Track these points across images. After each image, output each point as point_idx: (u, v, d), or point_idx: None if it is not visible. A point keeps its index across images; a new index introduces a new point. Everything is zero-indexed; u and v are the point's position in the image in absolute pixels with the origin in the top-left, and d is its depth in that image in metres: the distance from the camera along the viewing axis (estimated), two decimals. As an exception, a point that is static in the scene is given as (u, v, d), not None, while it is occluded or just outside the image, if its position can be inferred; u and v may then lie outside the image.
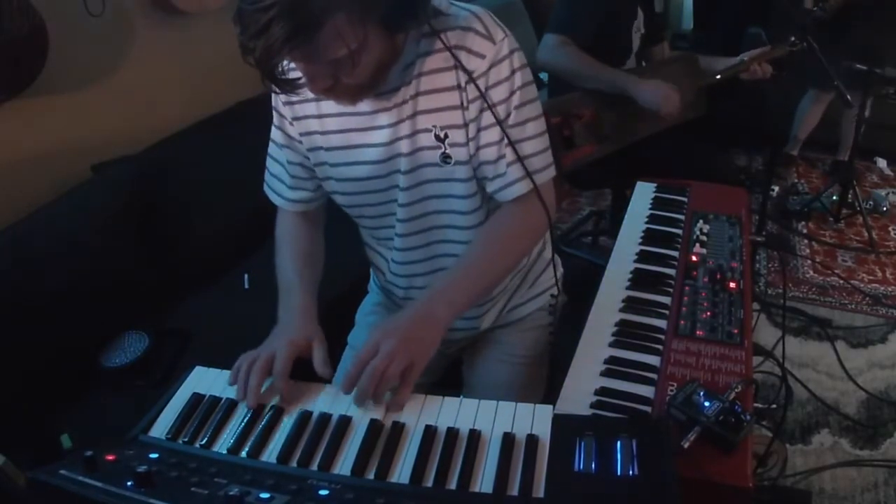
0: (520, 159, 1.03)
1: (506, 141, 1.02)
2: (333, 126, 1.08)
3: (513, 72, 1.00)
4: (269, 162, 1.21)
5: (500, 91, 1.00)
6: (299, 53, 0.85)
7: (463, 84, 0.99)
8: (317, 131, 1.10)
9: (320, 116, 1.08)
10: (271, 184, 1.21)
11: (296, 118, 1.11)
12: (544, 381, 1.33)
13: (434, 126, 1.02)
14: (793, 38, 2.15)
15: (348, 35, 0.84)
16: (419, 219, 1.13)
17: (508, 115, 1.02)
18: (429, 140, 1.03)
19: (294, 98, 1.08)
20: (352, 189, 1.13)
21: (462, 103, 1.00)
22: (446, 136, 1.03)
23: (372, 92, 0.99)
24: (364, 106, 1.03)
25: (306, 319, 1.06)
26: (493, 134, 1.03)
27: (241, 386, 0.96)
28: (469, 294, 1.04)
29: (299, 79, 0.90)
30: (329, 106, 1.06)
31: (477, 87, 0.98)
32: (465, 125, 1.02)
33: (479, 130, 1.02)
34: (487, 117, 1.02)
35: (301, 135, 1.12)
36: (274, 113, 1.16)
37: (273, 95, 1.13)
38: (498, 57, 0.98)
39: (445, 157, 1.04)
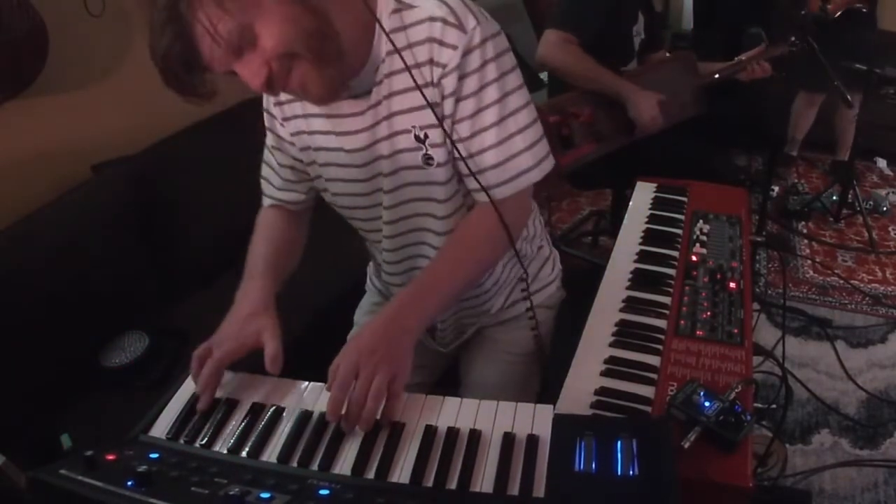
0: (472, 174, 0.98)
1: (474, 142, 0.97)
2: (317, 126, 1.07)
3: (484, 63, 0.93)
4: (262, 162, 1.22)
5: (470, 83, 0.93)
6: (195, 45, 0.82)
7: (436, 80, 0.94)
8: (304, 131, 1.09)
9: (306, 116, 1.07)
10: (262, 183, 1.22)
11: (286, 119, 1.11)
12: (539, 380, 1.33)
13: (413, 126, 0.98)
14: (793, 38, 2.15)
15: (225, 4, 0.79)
16: (404, 220, 1.11)
17: (479, 111, 0.96)
18: (409, 142, 1.00)
19: (283, 98, 1.08)
20: (340, 190, 1.13)
21: (437, 100, 0.95)
22: (426, 136, 0.98)
23: (337, 83, 0.92)
24: (341, 108, 1.01)
25: (258, 307, 1.02)
26: (465, 128, 0.97)
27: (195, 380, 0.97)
28: (439, 302, 1.00)
29: (200, 83, 0.86)
30: (312, 106, 1.04)
31: (421, 90, 0.93)
32: (440, 122, 0.97)
33: (453, 124, 0.97)
34: (461, 109, 0.96)
35: (292, 135, 1.12)
36: (265, 114, 1.15)
37: (264, 96, 1.12)
38: (470, 45, 0.91)
39: (427, 159, 1.00)
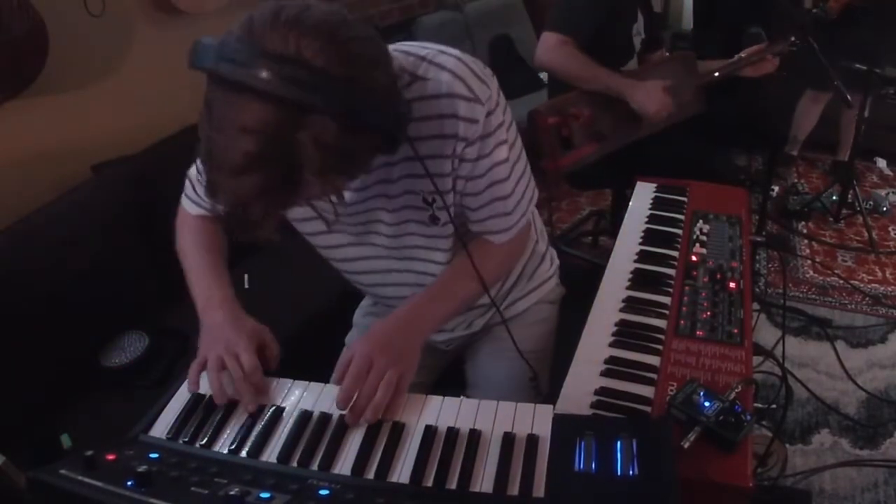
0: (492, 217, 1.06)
1: (486, 195, 1.03)
2: None
3: (499, 125, 0.98)
4: (195, 173, 1.16)
5: (486, 145, 0.98)
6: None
7: (459, 151, 0.97)
8: None
9: None
10: (191, 195, 1.18)
11: None
12: (548, 377, 1.32)
13: (422, 191, 1.02)
14: (793, 38, 2.15)
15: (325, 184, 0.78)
16: (405, 261, 1.14)
17: (490, 170, 1.01)
18: (416, 201, 1.03)
19: None
20: (311, 228, 1.12)
21: (453, 168, 0.99)
22: (434, 200, 1.02)
23: None
24: None
25: (239, 311, 1.07)
26: (482, 184, 1.02)
27: (220, 393, 0.95)
28: (447, 310, 1.07)
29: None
30: None
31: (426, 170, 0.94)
32: (453, 188, 1.01)
33: (466, 181, 1.01)
34: (478, 167, 1.00)
35: None
36: None
37: None
38: (488, 112, 0.96)
39: (433, 219, 1.05)
